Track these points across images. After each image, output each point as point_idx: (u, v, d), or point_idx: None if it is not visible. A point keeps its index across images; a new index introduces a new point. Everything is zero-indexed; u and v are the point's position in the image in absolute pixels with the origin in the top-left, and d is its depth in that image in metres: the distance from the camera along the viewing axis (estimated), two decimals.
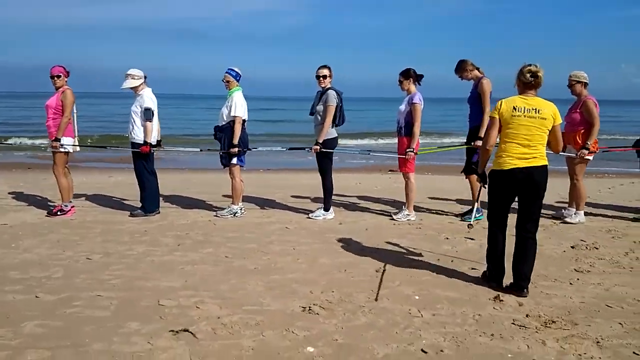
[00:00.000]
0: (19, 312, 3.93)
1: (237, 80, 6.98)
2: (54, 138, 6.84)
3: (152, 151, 7.02)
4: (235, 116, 6.80)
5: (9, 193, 8.72)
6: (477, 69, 6.85)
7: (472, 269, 5.11)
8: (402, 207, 7.34)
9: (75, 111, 7.10)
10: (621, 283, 4.76)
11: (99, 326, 3.71)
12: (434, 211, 7.72)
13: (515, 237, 4.48)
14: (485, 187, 4.77)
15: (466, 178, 7.26)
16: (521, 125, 4.24)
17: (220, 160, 7.07)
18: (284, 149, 8.37)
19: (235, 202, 7.15)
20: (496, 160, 4.40)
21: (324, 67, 6.96)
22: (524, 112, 4.24)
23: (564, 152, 6.65)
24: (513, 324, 3.86)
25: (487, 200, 4.61)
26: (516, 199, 4.46)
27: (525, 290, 4.36)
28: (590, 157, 6.91)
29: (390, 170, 13.12)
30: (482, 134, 6.77)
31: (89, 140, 18.94)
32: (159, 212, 7.24)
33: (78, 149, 7.32)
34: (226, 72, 6.95)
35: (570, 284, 4.75)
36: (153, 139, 6.99)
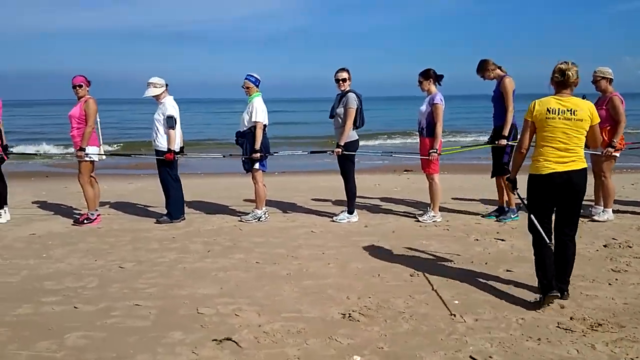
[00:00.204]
0: (60, 323, 3.93)
1: (257, 86, 6.98)
2: (78, 148, 6.86)
3: (175, 158, 7.02)
4: (256, 122, 6.79)
5: (33, 202, 8.76)
6: (499, 67, 6.80)
7: (507, 270, 5.06)
8: (427, 208, 7.30)
9: (98, 120, 7.11)
10: None
11: (142, 336, 3.71)
12: (459, 211, 7.66)
13: (553, 239, 4.41)
14: (515, 194, 4.66)
15: (492, 178, 7.20)
16: (557, 128, 4.05)
17: (242, 166, 7.07)
18: (306, 153, 8.34)
19: (259, 206, 7.14)
20: (533, 165, 4.21)
21: (343, 70, 6.93)
22: (559, 114, 4.04)
23: (589, 149, 6.59)
24: (558, 327, 3.81)
25: (527, 208, 4.37)
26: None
27: (565, 292, 4.30)
28: (617, 154, 6.84)
29: (405, 171, 13.08)
30: (505, 133, 6.74)
31: (109, 148, 19.06)
32: (184, 218, 7.25)
33: (104, 157, 7.35)
34: (245, 79, 6.94)
35: (610, 284, 4.68)
36: (176, 146, 6.99)
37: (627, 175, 11.67)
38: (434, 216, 7.01)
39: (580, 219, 6.93)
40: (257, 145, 6.79)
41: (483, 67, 6.84)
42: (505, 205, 7.13)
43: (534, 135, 4.26)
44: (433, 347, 3.52)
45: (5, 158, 7.27)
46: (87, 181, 6.97)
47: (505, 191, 7.08)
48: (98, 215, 7.20)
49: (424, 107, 6.86)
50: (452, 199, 8.41)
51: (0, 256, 5.69)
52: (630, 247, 5.78)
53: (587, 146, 4.36)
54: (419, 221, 7.02)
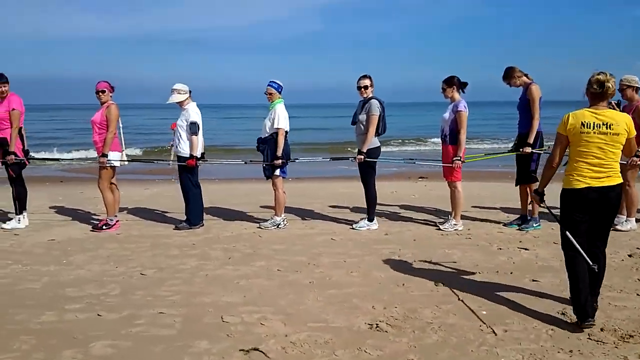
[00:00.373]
0: (85, 331, 3.90)
1: (279, 92, 6.96)
2: (101, 154, 6.87)
3: (198, 164, 7.02)
4: (278, 128, 6.78)
5: (50, 207, 8.78)
6: (526, 75, 6.74)
7: (533, 280, 4.99)
8: (448, 216, 7.23)
9: (121, 125, 7.13)
10: None
11: (168, 345, 3.67)
12: (480, 220, 7.58)
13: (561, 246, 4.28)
14: (542, 206, 4.41)
15: (516, 186, 7.13)
16: (592, 143, 3.85)
17: (263, 172, 7.05)
18: (327, 160, 8.31)
19: (278, 213, 7.11)
20: (567, 180, 4.00)
21: (365, 77, 6.90)
22: (594, 128, 3.83)
23: None
24: (589, 339, 3.74)
25: (560, 225, 4.14)
26: None
27: (595, 304, 4.21)
28: None
29: (420, 178, 12.99)
30: (530, 140, 6.66)
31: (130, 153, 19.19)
32: (203, 225, 7.23)
33: (126, 163, 7.37)
34: (268, 85, 6.94)
35: (638, 294, 4.60)
36: (198, 152, 6.98)
37: None
38: (455, 224, 6.94)
39: None
40: (279, 152, 6.76)
41: (510, 74, 6.78)
42: (527, 214, 7.05)
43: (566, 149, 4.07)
44: (464, 359, 3.46)
45: (27, 163, 7.30)
46: (107, 187, 6.98)
47: (528, 199, 7.00)
48: (117, 221, 7.20)
49: (447, 115, 6.81)
50: (472, 207, 8.33)
51: (20, 262, 5.68)
52: None
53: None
54: (439, 229, 6.95)
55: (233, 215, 7.98)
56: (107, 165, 6.91)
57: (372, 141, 6.83)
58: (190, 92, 7.01)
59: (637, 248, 6.02)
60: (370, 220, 7.04)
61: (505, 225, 7.22)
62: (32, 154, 7.68)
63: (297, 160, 7.79)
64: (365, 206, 7.16)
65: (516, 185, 7.12)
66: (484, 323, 3.99)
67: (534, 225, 6.94)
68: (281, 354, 3.53)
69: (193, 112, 6.91)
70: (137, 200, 9.38)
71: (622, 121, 3.89)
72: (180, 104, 6.96)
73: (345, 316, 4.15)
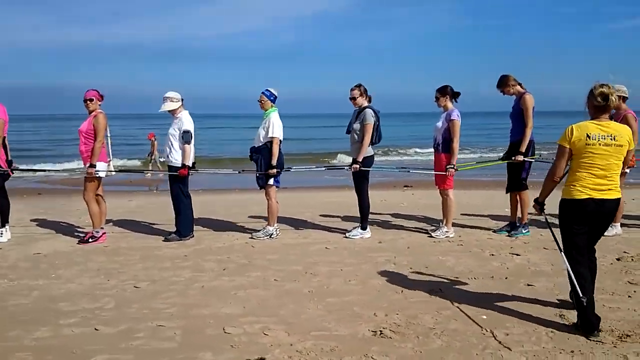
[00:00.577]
0: (83, 346, 3.81)
1: (273, 102, 6.94)
2: (88, 164, 6.75)
3: (190, 174, 6.95)
4: (273, 137, 6.74)
5: (32, 220, 8.59)
6: (520, 84, 6.83)
7: (528, 285, 5.04)
8: (439, 223, 7.28)
9: (108, 135, 7.02)
10: None
11: (171, 358, 3.61)
12: (470, 227, 7.65)
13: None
14: (542, 215, 4.34)
15: (507, 193, 7.21)
16: (596, 155, 3.85)
17: (256, 182, 7.01)
18: (322, 169, 8.30)
19: (271, 223, 7.07)
20: (567, 190, 4.00)
21: (355, 87, 6.94)
22: (599, 140, 3.83)
23: None
24: (589, 339, 3.79)
25: (561, 238, 4.14)
26: None
27: None
28: (628, 171, 6.88)
29: (405, 186, 13.06)
30: (523, 149, 6.75)
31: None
32: (193, 236, 7.14)
33: (113, 173, 7.25)
34: (262, 93, 6.91)
35: (629, 296, 4.70)
36: (189, 162, 6.91)
37: (625, 191, 11.73)
38: (447, 232, 6.99)
39: None
40: (274, 161, 6.73)
41: (504, 83, 6.87)
42: (517, 220, 7.14)
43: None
44: None
45: (11, 174, 7.12)
46: (93, 198, 6.84)
47: (518, 207, 7.09)
48: (103, 233, 7.07)
49: (440, 123, 6.87)
50: (461, 214, 8.40)
51: (6, 276, 5.53)
52: None
53: None
54: (432, 236, 6.99)
55: (223, 226, 7.90)
56: (95, 175, 6.77)
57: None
58: (182, 100, 6.93)
59: (624, 252, 6.13)
60: (364, 228, 7.04)
61: (495, 231, 7.30)
62: (15, 164, 7.48)
63: (291, 170, 7.76)
64: (357, 215, 7.16)
65: (507, 192, 7.20)
66: (483, 328, 4.02)
67: (523, 231, 7.03)
68: None
69: (186, 121, 6.83)
70: (122, 211, 9.25)
71: (625, 133, 3.91)
72: (173, 112, 6.89)
73: (348, 324, 4.13)
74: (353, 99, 6.93)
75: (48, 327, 4.17)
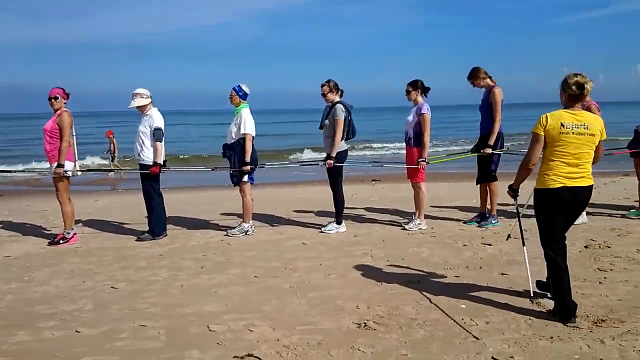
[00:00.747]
0: (66, 349, 3.75)
1: (243, 98, 6.89)
2: (55, 164, 6.60)
3: (161, 172, 6.86)
4: (245, 133, 6.72)
5: None
6: (490, 77, 6.98)
7: (502, 274, 5.19)
8: (412, 216, 7.40)
9: (74, 134, 6.87)
10: None
11: (158, 358, 3.59)
12: (441, 218, 7.81)
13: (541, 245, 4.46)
14: (515, 202, 4.51)
15: (477, 185, 7.38)
16: (570, 143, 3.91)
17: (230, 179, 6.98)
18: (296, 165, 8.31)
19: (246, 220, 7.05)
20: (541, 179, 4.06)
21: (324, 83, 7.00)
22: (572, 129, 3.90)
23: None
24: (566, 325, 3.93)
25: (538, 229, 4.21)
26: None
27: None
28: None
29: (373, 180, 13.21)
30: (491, 142, 6.91)
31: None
32: (166, 235, 7.07)
33: (79, 173, 7.10)
34: (232, 88, 6.87)
35: (600, 282, 4.88)
36: (161, 160, 6.83)
37: None
38: (419, 224, 7.12)
39: None
40: (248, 158, 6.71)
41: (474, 75, 7.00)
42: (486, 211, 7.32)
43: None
44: (454, 351, 3.57)
45: None
46: (67, 198, 6.72)
47: (487, 198, 7.27)
48: (74, 234, 6.93)
49: (410, 117, 6.98)
50: (431, 206, 8.55)
51: None
52: (609, 247, 6.04)
53: None
54: (405, 229, 7.11)
55: (196, 224, 7.85)
56: (63, 175, 6.62)
57: (340, 145, 6.91)
58: (151, 97, 6.83)
59: (592, 240, 6.36)
60: (339, 223, 7.11)
61: (465, 222, 7.47)
62: None
63: (265, 166, 7.75)
64: (330, 209, 7.22)
65: (477, 184, 7.37)
66: (464, 317, 4.13)
67: (493, 222, 7.22)
68: (276, 358, 3.53)
69: (157, 118, 6.74)
70: (89, 212, 9.07)
71: (597, 123, 4.01)
72: (142, 109, 6.78)
73: (332, 317, 4.19)
74: (323, 95, 6.98)
75: (27, 330, 4.09)
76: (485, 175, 7.11)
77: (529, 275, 4.55)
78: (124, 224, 8.08)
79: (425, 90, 7.02)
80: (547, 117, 3.97)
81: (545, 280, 4.53)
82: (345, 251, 6.13)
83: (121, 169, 15.38)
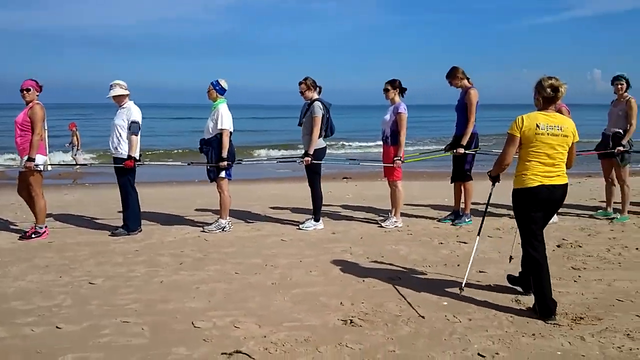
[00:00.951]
0: (47, 345, 3.67)
1: (220, 93, 6.84)
2: (26, 157, 6.42)
3: (136, 166, 6.74)
4: (222, 129, 6.67)
5: None
6: (467, 78, 7.10)
7: (480, 272, 5.29)
8: (388, 214, 7.48)
9: (46, 127, 6.70)
10: (618, 278, 5.10)
11: (144, 354, 3.54)
12: (415, 216, 7.92)
13: (521, 245, 4.53)
14: (491, 190, 4.72)
15: (451, 183, 7.51)
16: (545, 144, 4.06)
17: (207, 174, 6.92)
18: (274, 161, 8.30)
19: (223, 216, 7.00)
20: (519, 179, 4.19)
21: (302, 81, 7.02)
22: (547, 130, 4.05)
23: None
24: (547, 322, 4.04)
25: (517, 226, 4.36)
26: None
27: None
28: None
29: (344, 178, 13.27)
30: (464, 142, 7.05)
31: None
32: (141, 230, 6.96)
33: (50, 168, 6.93)
34: (210, 83, 6.81)
35: (575, 281, 5.03)
36: (135, 154, 6.71)
37: None
38: (395, 221, 7.20)
39: None
40: (225, 153, 6.66)
41: (453, 74, 7.12)
42: (460, 210, 7.45)
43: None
44: (440, 347, 3.63)
45: None
46: (40, 193, 6.55)
47: (461, 196, 7.41)
48: (46, 227, 6.76)
49: (388, 116, 7.04)
50: (405, 204, 8.64)
51: None
52: (580, 246, 6.23)
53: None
54: (382, 227, 7.18)
55: (171, 220, 7.75)
56: (34, 169, 6.45)
57: (317, 142, 6.93)
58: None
59: (563, 239, 6.55)
60: (317, 220, 7.13)
61: (439, 220, 7.59)
62: None
63: (242, 162, 7.70)
64: (305, 206, 7.23)
65: (451, 182, 7.50)
66: (446, 314, 4.20)
67: (466, 220, 7.35)
68: (265, 355, 3.53)
69: (135, 111, 6.63)
70: (60, 206, 8.85)
71: (570, 125, 4.19)
72: (120, 100, 6.66)
73: (317, 314, 4.20)
74: (301, 92, 7.00)
75: (4, 327, 3.98)
76: (460, 174, 7.24)
77: (469, 267, 4.70)
78: (95, 218, 7.93)
79: (402, 91, 7.10)
80: (522, 119, 4.12)
81: (517, 275, 4.73)
82: (324, 248, 6.16)
83: (79, 164, 15.00)
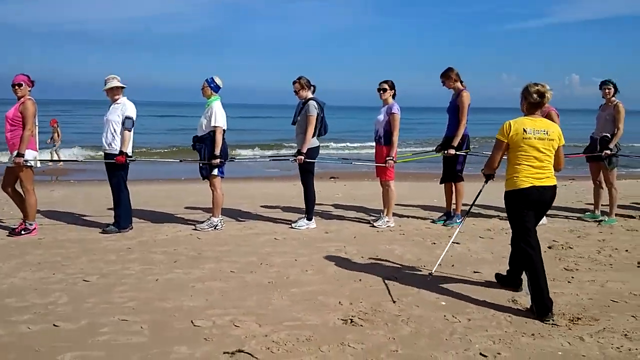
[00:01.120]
0: (46, 344, 3.61)
1: (215, 90, 6.80)
2: (15, 153, 6.31)
3: (127, 162, 6.66)
4: (216, 126, 6.63)
5: None
6: (461, 81, 7.16)
7: (475, 272, 5.33)
8: (380, 214, 7.50)
9: (37, 123, 6.59)
10: (611, 279, 5.17)
11: (145, 353, 3.51)
12: (407, 216, 7.95)
13: (511, 246, 4.66)
14: (482, 187, 4.90)
15: (441, 184, 7.55)
16: (532, 148, 4.22)
17: (199, 172, 6.86)
18: (266, 159, 8.26)
19: (216, 214, 6.96)
20: (510, 182, 4.33)
21: (295, 81, 7.02)
22: (534, 134, 4.21)
23: None
24: (545, 323, 4.08)
25: (511, 227, 4.49)
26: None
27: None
28: None
29: (331, 178, 13.27)
30: (455, 144, 7.10)
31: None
32: (132, 228, 6.89)
33: (39, 164, 6.83)
34: (205, 80, 6.77)
35: (568, 282, 5.09)
36: (129, 150, 6.64)
37: None
38: (387, 221, 7.23)
39: None
40: (217, 151, 6.62)
41: (447, 75, 7.18)
42: (451, 211, 7.50)
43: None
44: (442, 347, 3.65)
45: None
46: (31, 189, 6.45)
47: (452, 197, 7.46)
48: (36, 224, 6.66)
49: (381, 117, 7.06)
50: (396, 204, 8.69)
51: None
52: (571, 248, 6.31)
53: None
54: (374, 226, 7.20)
55: (162, 218, 7.67)
56: (23, 165, 6.34)
57: (311, 141, 6.92)
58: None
59: (554, 241, 6.62)
60: (309, 219, 7.12)
61: (434, 221, 7.63)
62: None
63: (235, 160, 7.66)
64: (296, 205, 7.22)
65: (441, 183, 7.55)
66: (446, 314, 4.23)
67: (457, 221, 7.40)
68: (268, 354, 3.51)
69: (130, 107, 6.56)
70: (47, 202, 8.71)
71: (556, 129, 4.35)
72: (115, 93, 6.59)
73: (317, 313, 4.20)
74: (295, 92, 7.00)
75: (0, 324, 3.90)
76: (451, 175, 7.30)
77: (441, 257, 5.01)
78: (84, 215, 7.83)
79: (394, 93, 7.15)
80: (510, 124, 4.28)
81: (505, 274, 4.83)
82: (318, 247, 6.15)
83: (71, 160, 14.88)
